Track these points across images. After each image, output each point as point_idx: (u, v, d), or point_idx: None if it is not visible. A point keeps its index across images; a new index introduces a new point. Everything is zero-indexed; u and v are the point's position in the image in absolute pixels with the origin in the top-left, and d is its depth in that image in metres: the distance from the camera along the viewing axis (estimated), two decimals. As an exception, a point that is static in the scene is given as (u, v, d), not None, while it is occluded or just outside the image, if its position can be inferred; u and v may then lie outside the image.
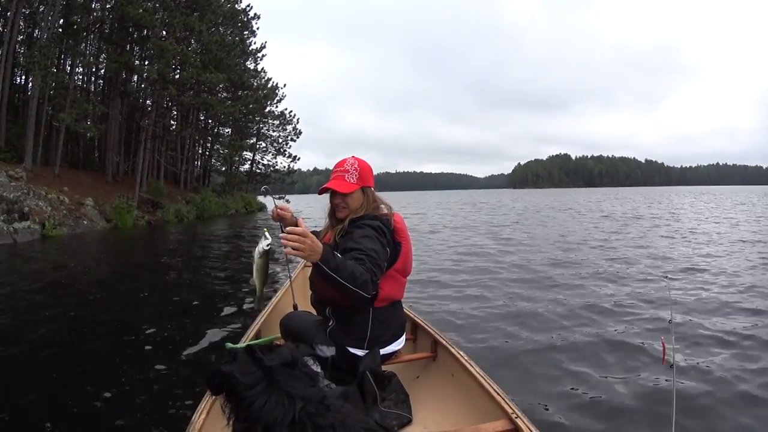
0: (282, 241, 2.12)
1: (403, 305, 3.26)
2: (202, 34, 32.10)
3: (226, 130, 45.70)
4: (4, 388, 4.47)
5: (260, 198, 46.45)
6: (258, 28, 44.46)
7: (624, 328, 6.25)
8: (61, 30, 28.17)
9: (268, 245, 2.63)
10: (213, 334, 6.08)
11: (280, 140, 48.71)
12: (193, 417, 2.38)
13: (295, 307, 3.71)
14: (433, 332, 3.49)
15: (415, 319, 3.79)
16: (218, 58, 33.94)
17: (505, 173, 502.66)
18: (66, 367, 4.99)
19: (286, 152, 48.99)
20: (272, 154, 49.36)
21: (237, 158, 45.51)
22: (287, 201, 48.07)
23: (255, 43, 44.99)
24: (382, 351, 2.89)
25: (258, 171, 49.49)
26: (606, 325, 6.43)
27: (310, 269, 2.68)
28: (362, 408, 2.62)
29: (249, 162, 48.99)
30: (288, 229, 2.14)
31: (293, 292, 4.01)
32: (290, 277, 4.40)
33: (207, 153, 47.07)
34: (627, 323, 6.48)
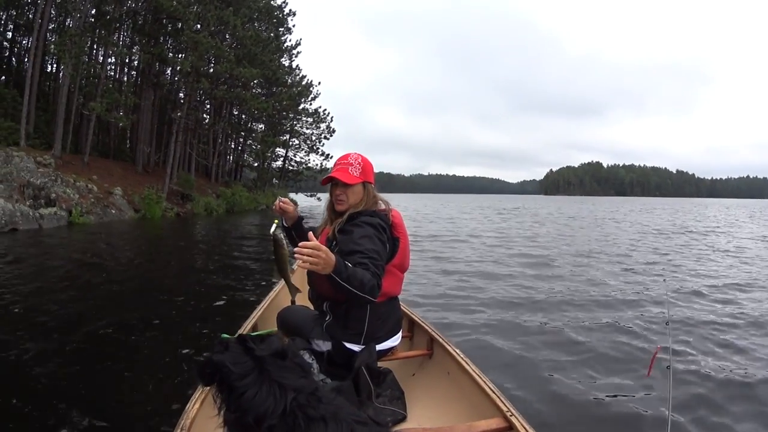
0: (296, 255, 2.12)
1: (401, 302, 3.23)
2: (237, 28, 31.64)
3: (260, 126, 45.12)
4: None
5: (291, 195, 46.35)
6: (294, 25, 44.22)
7: (622, 329, 6.26)
8: (93, 19, 27.92)
9: (271, 233, 2.61)
10: (213, 326, 6.00)
11: (314, 138, 48.03)
12: (187, 406, 2.33)
13: (292, 301, 3.55)
14: (430, 330, 3.45)
15: (413, 316, 3.75)
16: (252, 53, 33.56)
17: (537, 179, 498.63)
18: (63, 356, 4.95)
19: (319, 150, 48.33)
20: (305, 152, 48.67)
21: (269, 154, 44.89)
22: (318, 199, 47.96)
23: (290, 40, 44.59)
24: (379, 347, 2.88)
25: (290, 168, 48.85)
26: (604, 326, 6.44)
27: None
28: (357, 403, 2.56)
29: (281, 158, 48.47)
30: (301, 244, 2.14)
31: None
32: (289, 271, 4.15)
33: (239, 148, 46.67)
34: (626, 324, 6.48)
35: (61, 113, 24.53)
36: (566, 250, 15.02)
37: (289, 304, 3.47)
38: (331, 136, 48.30)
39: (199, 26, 30.06)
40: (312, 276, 2.89)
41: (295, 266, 4.45)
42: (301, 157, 49.00)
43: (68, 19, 28.05)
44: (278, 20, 41.60)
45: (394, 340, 2.99)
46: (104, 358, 4.86)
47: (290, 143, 47.57)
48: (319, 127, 47.56)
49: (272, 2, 40.36)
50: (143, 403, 3.87)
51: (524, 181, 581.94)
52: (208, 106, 38.58)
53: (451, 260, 12.23)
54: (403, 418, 2.75)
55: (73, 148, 26.95)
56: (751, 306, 7.72)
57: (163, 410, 3.68)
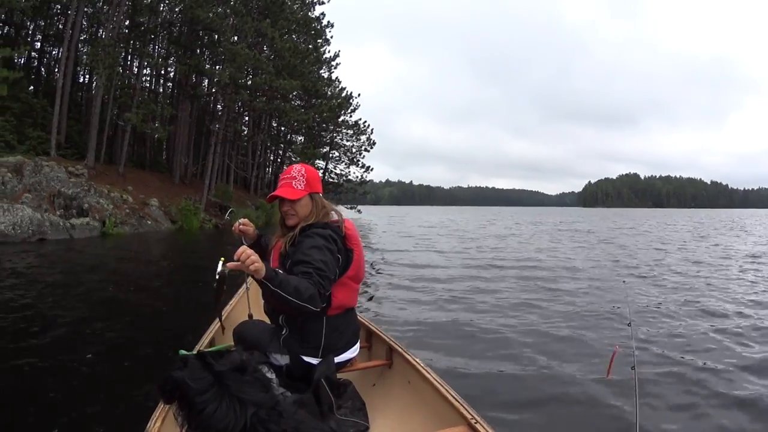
0: (238, 257, 2.12)
1: (358, 313, 3.19)
2: (275, 40, 30.53)
3: (299, 138, 44.04)
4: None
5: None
6: (332, 37, 43.09)
7: (584, 333, 6.15)
8: (127, 30, 27.34)
9: (219, 272, 2.32)
10: (174, 341, 5.35)
11: (354, 150, 46.49)
12: (148, 425, 2.20)
13: (250, 316, 3.75)
14: (388, 340, 3.36)
15: (370, 326, 3.63)
16: (291, 64, 32.32)
17: (575, 191, 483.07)
18: (18, 371, 4.64)
19: (360, 162, 46.84)
20: (345, 164, 47.14)
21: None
22: (359, 211, 46.99)
23: (329, 51, 43.32)
24: (337, 359, 2.78)
25: (330, 180, 47.33)
26: (566, 330, 6.32)
27: None
28: (318, 416, 2.44)
29: (321, 171, 46.96)
30: (238, 252, 2.15)
31: (249, 301, 3.99)
32: (247, 286, 4.31)
33: (279, 160, 45.51)
34: (587, 327, 6.41)
35: (95, 123, 23.83)
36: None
37: (246, 318, 3.50)
38: (372, 148, 46.63)
39: (236, 38, 29.16)
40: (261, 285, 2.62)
41: (248, 282, 4.31)
42: (342, 170, 47.39)
43: (100, 30, 27.51)
44: (316, 32, 40.46)
45: (353, 352, 2.92)
46: (62, 374, 4.56)
47: (330, 155, 46.10)
48: (359, 139, 45.97)
49: (310, 14, 39.22)
50: (104, 421, 3.63)
51: (563, 193, 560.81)
52: (247, 118, 37.53)
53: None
54: (366, 429, 2.67)
55: (107, 159, 26.31)
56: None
57: (126, 428, 3.45)
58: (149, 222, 23.05)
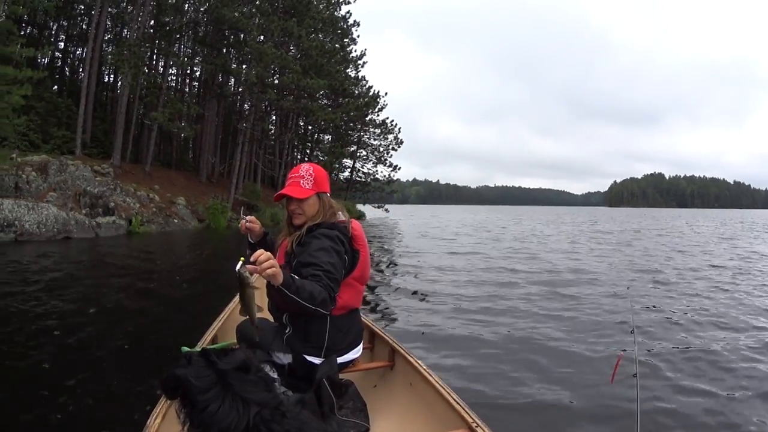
0: (256, 259, 2.02)
1: (361, 314, 3.12)
2: (301, 39, 29.99)
3: (326, 137, 43.40)
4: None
5: (359, 206, 44.58)
6: (358, 36, 42.51)
7: (587, 338, 6.01)
8: (152, 30, 27.07)
9: (237, 270, 2.14)
10: (175, 338, 5.28)
11: (381, 149, 45.60)
12: (149, 421, 2.15)
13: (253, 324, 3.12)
14: (390, 341, 3.30)
15: (373, 327, 3.57)
16: (318, 64, 31.75)
17: (601, 191, 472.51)
18: (21, 367, 4.58)
19: (387, 161, 45.93)
20: (373, 163, 46.35)
21: (337, 165, 42.71)
22: (386, 210, 46.23)
23: (355, 50, 42.50)
24: (340, 359, 2.74)
25: (358, 179, 46.68)
26: (568, 334, 6.18)
27: None
28: (319, 416, 2.41)
29: (349, 170, 46.26)
30: (255, 255, 2.05)
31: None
32: (254, 309, 3.40)
33: (306, 159, 44.23)
34: (590, 333, 6.24)
35: (121, 123, 23.55)
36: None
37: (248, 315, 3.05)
38: (399, 147, 45.68)
39: (262, 37, 28.72)
40: (271, 288, 2.36)
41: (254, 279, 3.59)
42: (369, 169, 46.65)
43: (125, 30, 27.27)
44: (342, 31, 39.81)
45: (356, 352, 2.86)
46: (65, 369, 4.48)
47: (358, 154, 45.32)
48: (387, 138, 45.08)
49: (336, 13, 38.56)
50: (105, 416, 3.56)
51: (589, 192, 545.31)
52: (274, 117, 37.05)
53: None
54: (366, 430, 2.60)
55: (133, 158, 26.05)
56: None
57: (126, 423, 3.36)
58: (176, 221, 22.76)
